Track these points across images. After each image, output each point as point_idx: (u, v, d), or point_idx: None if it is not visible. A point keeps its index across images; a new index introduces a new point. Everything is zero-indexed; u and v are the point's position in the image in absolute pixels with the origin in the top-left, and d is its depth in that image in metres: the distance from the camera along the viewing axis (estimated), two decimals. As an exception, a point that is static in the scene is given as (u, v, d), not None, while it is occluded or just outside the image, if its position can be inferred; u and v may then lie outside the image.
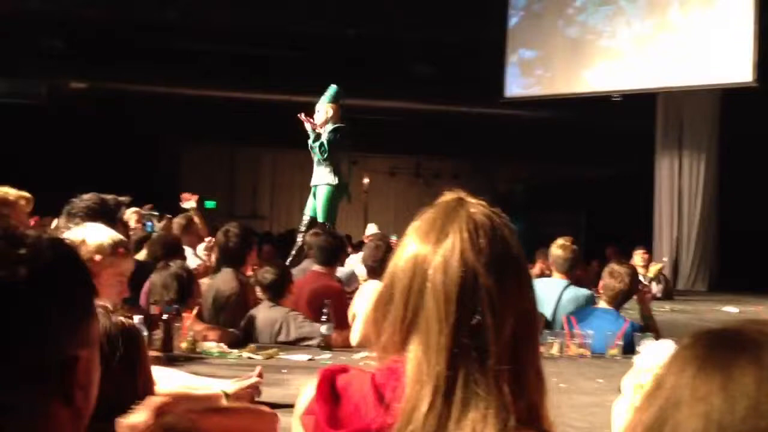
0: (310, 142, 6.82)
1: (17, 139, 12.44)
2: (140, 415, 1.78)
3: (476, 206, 1.25)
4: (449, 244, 1.19)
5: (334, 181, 6.75)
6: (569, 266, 5.08)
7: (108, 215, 3.55)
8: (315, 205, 6.87)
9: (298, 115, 6.79)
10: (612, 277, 4.56)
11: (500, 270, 1.19)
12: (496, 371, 1.14)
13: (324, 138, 6.68)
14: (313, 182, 6.93)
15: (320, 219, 6.75)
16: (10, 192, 2.56)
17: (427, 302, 1.18)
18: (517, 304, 1.20)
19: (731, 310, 8.15)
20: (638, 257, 9.35)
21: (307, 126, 6.79)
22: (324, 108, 6.82)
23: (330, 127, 6.75)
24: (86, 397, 0.96)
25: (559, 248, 5.18)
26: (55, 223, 3.76)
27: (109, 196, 3.83)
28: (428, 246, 1.21)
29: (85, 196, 3.68)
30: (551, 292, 4.89)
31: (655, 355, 1.60)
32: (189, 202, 6.87)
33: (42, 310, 0.90)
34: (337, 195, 6.82)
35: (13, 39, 11.63)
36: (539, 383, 1.20)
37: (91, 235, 2.73)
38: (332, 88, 6.92)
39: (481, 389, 1.13)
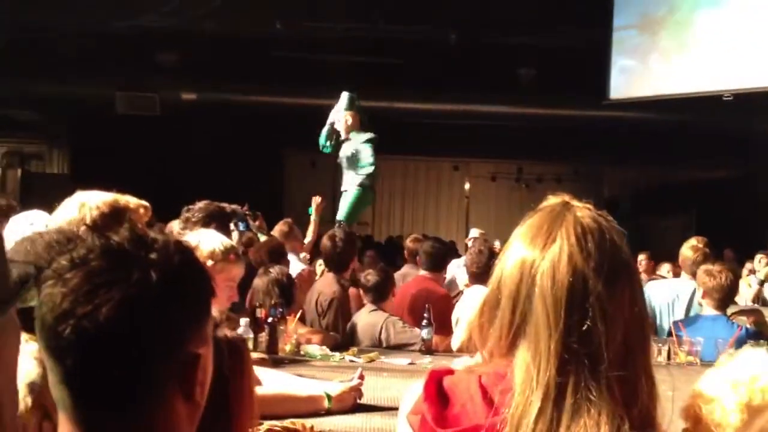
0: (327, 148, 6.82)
1: (135, 149, 13.04)
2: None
3: (583, 210, 1.24)
4: (557, 249, 1.19)
5: (366, 182, 6.72)
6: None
7: (223, 222, 3.68)
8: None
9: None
10: (713, 277, 4.38)
11: (610, 275, 1.18)
12: (608, 377, 1.14)
13: (366, 160, 6.67)
14: (343, 188, 6.95)
15: (341, 217, 6.74)
16: (131, 200, 2.69)
17: (535, 308, 1.18)
18: (627, 310, 1.19)
19: None
20: (759, 262, 8.96)
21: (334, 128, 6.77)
22: (343, 117, 6.81)
23: (361, 137, 6.73)
24: (203, 393, 1.01)
25: (690, 249, 5.04)
26: (169, 228, 3.92)
27: (224, 204, 3.97)
28: (536, 251, 1.21)
29: (201, 204, 3.82)
30: (682, 293, 4.73)
31: (759, 364, 1.54)
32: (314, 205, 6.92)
33: (172, 311, 0.96)
34: (363, 198, 6.81)
35: (130, 54, 12.20)
36: (651, 389, 1.19)
37: (204, 241, 2.84)
38: (346, 95, 6.90)
39: (593, 395, 1.13)
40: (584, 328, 1.15)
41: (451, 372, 1.26)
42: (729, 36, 11.24)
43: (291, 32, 12.41)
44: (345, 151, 6.79)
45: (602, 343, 1.15)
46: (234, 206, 4.19)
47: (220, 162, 13.62)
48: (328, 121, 6.84)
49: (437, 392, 1.20)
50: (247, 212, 6.68)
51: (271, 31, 12.25)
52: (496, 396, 1.17)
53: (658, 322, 4.98)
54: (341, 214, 6.78)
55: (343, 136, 6.81)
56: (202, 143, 13.68)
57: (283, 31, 12.23)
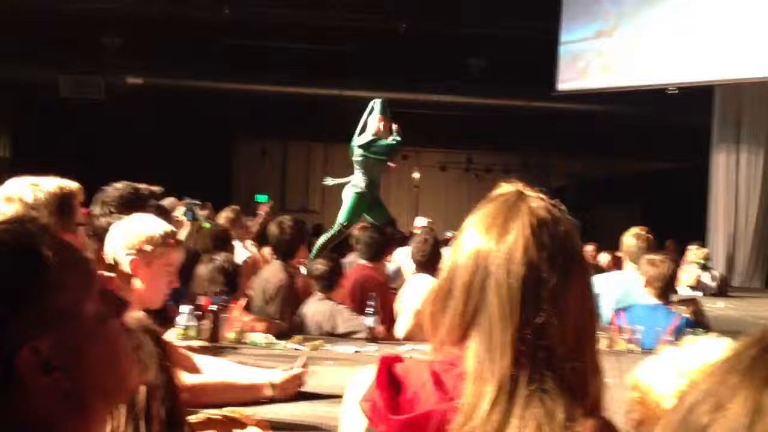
0: (355, 145, 6.85)
1: (80, 133, 12.78)
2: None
3: (537, 200, 1.24)
4: (512, 240, 1.18)
5: (362, 188, 6.79)
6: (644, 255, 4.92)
7: (140, 204, 3.61)
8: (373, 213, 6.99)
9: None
10: (655, 266, 4.44)
11: (564, 266, 1.18)
12: (561, 368, 1.14)
13: (390, 140, 6.81)
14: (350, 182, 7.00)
15: (343, 219, 6.83)
16: (70, 184, 2.65)
17: (489, 299, 1.17)
18: (579, 301, 1.19)
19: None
20: (692, 253, 9.21)
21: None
22: (376, 122, 6.86)
23: (388, 141, 6.84)
24: (73, 377, 0.97)
25: (632, 237, 5.06)
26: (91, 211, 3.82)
27: (141, 185, 3.89)
28: (490, 241, 1.20)
29: (118, 185, 3.74)
30: (630, 283, 4.76)
31: (699, 354, 1.56)
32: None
33: None
34: (359, 203, 6.85)
35: (75, 38, 11.93)
36: (600, 380, 1.20)
37: (142, 226, 2.79)
38: (379, 102, 6.96)
39: (546, 386, 1.13)
40: (538, 319, 1.15)
41: (401, 359, 1.25)
42: (674, 31, 11.45)
43: (240, 17, 12.27)
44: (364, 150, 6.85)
45: (555, 334, 1.15)
46: (154, 188, 4.10)
47: (166, 148, 13.43)
48: (360, 125, 6.89)
49: (389, 379, 1.20)
50: (194, 201, 6.62)
51: (220, 16, 12.10)
52: (448, 383, 1.17)
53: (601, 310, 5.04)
54: (343, 216, 6.88)
55: (371, 137, 6.84)
56: (148, 128, 13.47)
57: (232, 16, 12.09)
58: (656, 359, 1.65)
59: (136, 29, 12.21)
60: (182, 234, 5.07)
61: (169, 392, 1.60)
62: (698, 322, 4.52)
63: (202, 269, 4.15)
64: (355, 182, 6.84)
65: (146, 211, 3.36)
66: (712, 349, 1.51)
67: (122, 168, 9.18)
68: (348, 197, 6.86)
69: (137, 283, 2.69)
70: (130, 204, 3.55)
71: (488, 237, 1.20)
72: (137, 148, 12.98)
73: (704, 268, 9.21)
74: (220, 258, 4.21)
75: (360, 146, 6.77)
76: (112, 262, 2.70)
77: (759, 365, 0.71)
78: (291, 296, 4.76)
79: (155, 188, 4.12)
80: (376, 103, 6.96)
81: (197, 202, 6.60)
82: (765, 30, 10.62)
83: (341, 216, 6.85)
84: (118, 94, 12.89)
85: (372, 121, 6.86)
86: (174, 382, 1.62)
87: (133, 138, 13.25)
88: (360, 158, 6.78)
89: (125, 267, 2.68)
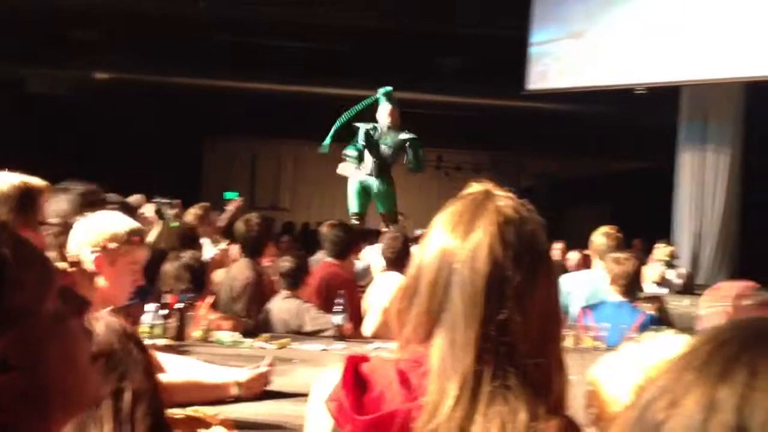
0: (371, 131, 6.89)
1: (45, 130, 12.59)
2: None
3: (504, 199, 1.25)
4: (477, 239, 1.19)
5: (366, 177, 6.97)
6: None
7: (96, 206, 3.56)
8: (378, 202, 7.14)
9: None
10: (619, 264, 4.50)
11: (528, 266, 1.19)
12: (525, 366, 1.15)
13: (419, 161, 7.12)
14: (367, 173, 7.14)
15: (386, 210, 7.14)
16: (32, 179, 2.62)
17: (454, 296, 1.18)
18: (543, 300, 1.20)
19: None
20: (658, 251, 9.33)
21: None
22: (388, 111, 6.95)
23: (404, 135, 6.95)
24: (31, 377, 0.97)
25: (602, 236, 5.12)
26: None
27: (95, 188, 3.83)
28: (456, 240, 1.21)
29: (79, 187, 3.68)
30: (598, 281, 4.79)
31: (656, 350, 1.58)
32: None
33: None
34: (364, 192, 6.94)
35: (40, 31, 11.76)
36: (563, 377, 1.21)
37: (107, 223, 2.76)
38: (384, 92, 7.05)
39: (509, 383, 1.14)
40: (502, 317, 1.16)
41: (367, 358, 1.25)
42: (642, 32, 11.57)
43: (213, 13, 12.17)
44: (384, 143, 6.97)
45: (519, 332, 1.16)
46: (110, 195, 4.03)
47: (135, 144, 13.29)
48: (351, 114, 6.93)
49: (355, 378, 1.20)
50: (164, 200, 6.58)
51: (193, 11, 11.97)
52: (414, 381, 1.18)
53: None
54: (386, 209, 7.07)
55: (384, 128, 6.97)
56: (117, 125, 13.32)
57: (205, 12, 11.97)
58: (614, 356, 1.67)
59: (105, 23, 12.07)
60: (153, 233, 5.04)
61: (154, 398, 1.60)
62: (662, 320, 4.58)
63: (168, 267, 4.12)
64: (364, 170, 6.90)
65: (110, 208, 3.33)
66: (669, 346, 1.53)
67: (89, 165, 9.11)
68: (352, 186, 6.94)
69: (101, 281, 2.66)
70: (87, 205, 3.50)
71: (454, 235, 1.21)
72: (104, 144, 12.84)
73: (670, 265, 9.35)
74: (186, 255, 4.18)
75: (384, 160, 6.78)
76: (75, 260, 2.67)
77: (713, 361, 0.72)
78: (258, 294, 4.74)
79: (114, 195, 4.03)
80: (382, 94, 7.00)
81: (167, 201, 6.57)
82: (730, 31, 10.78)
83: (351, 207, 6.89)
84: (86, 89, 12.73)
85: (383, 113, 6.85)
86: (159, 389, 1.62)
87: (101, 135, 13.10)
88: (389, 153, 6.86)
89: (89, 265, 2.65)
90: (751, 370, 0.69)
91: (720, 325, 0.77)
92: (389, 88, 7.03)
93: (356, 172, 7.02)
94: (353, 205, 7.06)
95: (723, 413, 0.67)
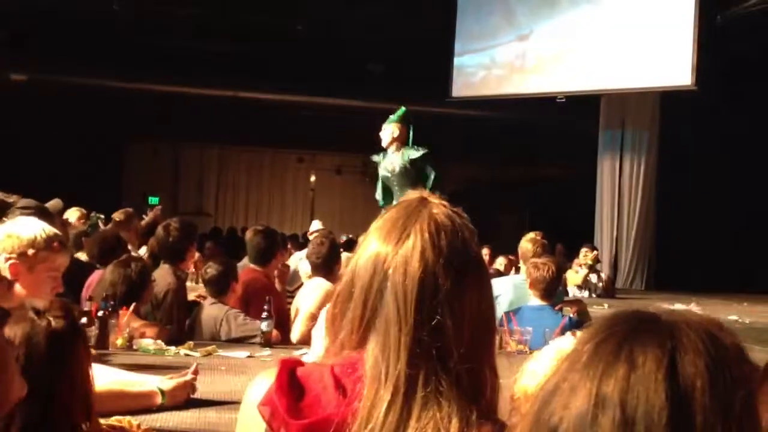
0: (377, 158, 6.68)
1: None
2: None
3: (439, 206, 1.26)
4: (410, 245, 1.21)
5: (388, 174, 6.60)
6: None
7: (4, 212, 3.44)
8: None
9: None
10: (538, 269, 4.61)
11: (459, 272, 1.20)
12: (457, 371, 1.16)
13: (431, 177, 6.60)
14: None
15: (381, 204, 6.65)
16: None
17: (387, 302, 1.19)
18: (475, 305, 1.21)
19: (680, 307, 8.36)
20: (584, 255, 9.59)
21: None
22: (390, 128, 6.67)
23: (414, 153, 6.60)
24: None
25: (528, 242, 5.26)
26: None
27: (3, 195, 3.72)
28: (389, 246, 1.22)
29: None
30: (524, 286, 4.87)
31: (552, 353, 1.62)
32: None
33: None
34: (385, 187, 6.65)
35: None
36: (495, 382, 1.23)
37: (24, 229, 2.68)
38: (402, 110, 6.77)
39: (442, 388, 1.15)
40: (434, 322, 1.17)
41: (301, 363, 1.25)
42: (563, 43, 11.89)
43: (130, 15, 11.92)
44: (390, 164, 6.56)
45: (451, 337, 1.17)
46: (11, 200, 3.90)
47: (53, 148, 12.91)
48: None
49: (289, 382, 1.19)
50: (99, 215, 6.44)
51: (109, 12, 11.69)
52: (349, 386, 1.18)
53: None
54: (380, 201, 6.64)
55: (385, 146, 6.59)
56: (34, 128, 12.92)
57: (122, 13, 11.71)
58: (532, 361, 1.70)
59: (21, 23, 11.70)
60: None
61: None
62: (583, 322, 4.69)
63: (108, 274, 4.08)
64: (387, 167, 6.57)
65: (25, 213, 3.22)
66: (563, 348, 1.57)
67: (5, 171, 8.80)
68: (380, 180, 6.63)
69: (18, 289, 2.58)
70: None
71: (387, 241, 1.22)
72: (21, 149, 12.44)
73: (593, 270, 9.62)
74: (131, 267, 4.13)
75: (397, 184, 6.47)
76: (-9, 267, 2.58)
77: (595, 358, 0.75)
78: (181, 300, 4.66)
79: (12, 200, 3.89)
80: (399, 111, 6.68)
81: (102, 217, 6.44)
82: (645, 44, 11.17)
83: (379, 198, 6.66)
84: (1, 91, 12.31)
85: (388, 126, 6.62)
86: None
87: (17, 139, 12.68)
88: (388, 175, 6.55)
89: (5, 272, 2.57)
90: (631, 365, 0.73)
91: (599, 322, 0.80)
92: (403, 109, 6.80)
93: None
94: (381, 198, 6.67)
95: (610, 409, 0.71)
